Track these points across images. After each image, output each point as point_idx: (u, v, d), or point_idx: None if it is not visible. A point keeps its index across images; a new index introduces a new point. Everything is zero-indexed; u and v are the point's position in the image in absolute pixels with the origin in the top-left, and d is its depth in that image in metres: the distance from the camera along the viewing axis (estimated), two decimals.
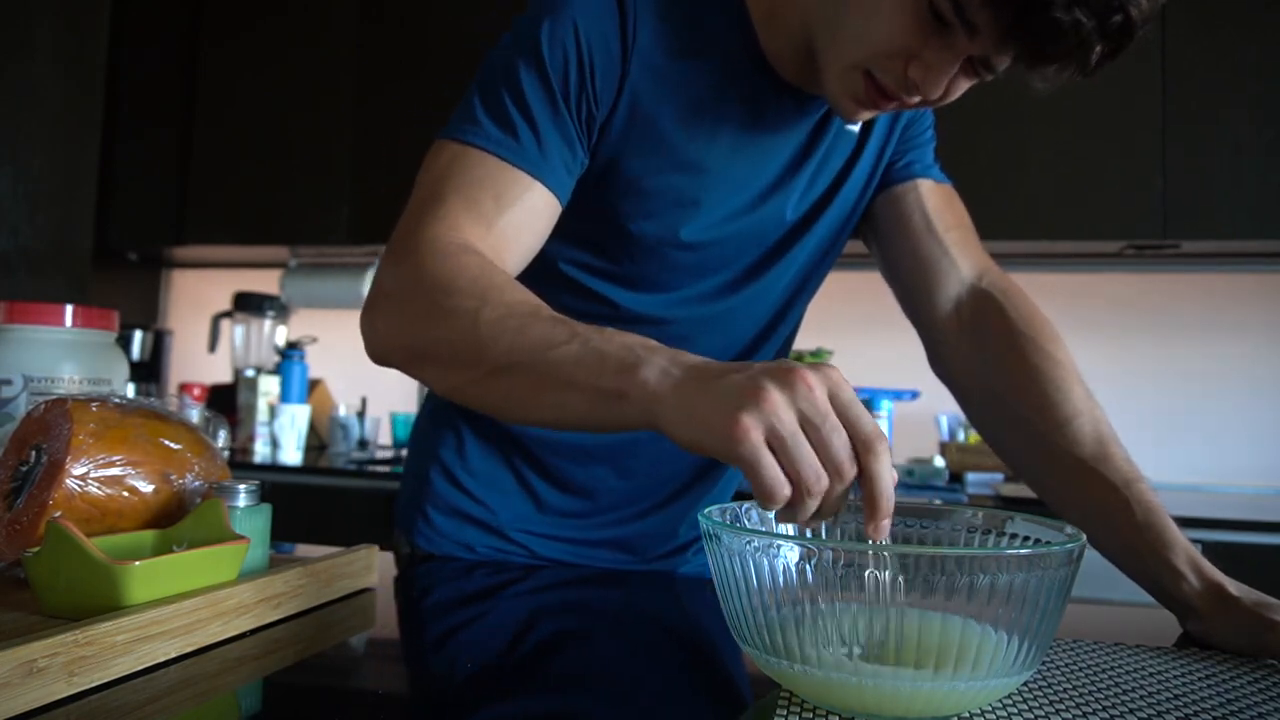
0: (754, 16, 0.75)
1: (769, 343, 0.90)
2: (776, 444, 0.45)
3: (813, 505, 0.46)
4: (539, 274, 0.75)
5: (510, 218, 0.68)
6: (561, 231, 0.75)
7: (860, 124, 0.84)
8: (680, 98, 0.74)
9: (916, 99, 0.68)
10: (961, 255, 0.85)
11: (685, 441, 0.49)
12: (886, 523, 0.46)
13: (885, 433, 0.47)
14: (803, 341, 2.41)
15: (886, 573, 0.41)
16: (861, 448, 0.46)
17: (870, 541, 0.45)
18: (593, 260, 0.81)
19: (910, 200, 0.86)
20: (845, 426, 0.46)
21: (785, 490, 0.45)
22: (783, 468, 0.45)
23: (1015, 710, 0.47)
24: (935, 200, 0.86)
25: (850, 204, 0.86)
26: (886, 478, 0.46)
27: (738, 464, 0.46)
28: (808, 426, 0.45)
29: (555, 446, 0.88)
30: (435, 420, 0.93)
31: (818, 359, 2.17)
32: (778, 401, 0.45)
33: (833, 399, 0.46)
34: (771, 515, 0.50)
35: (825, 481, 0.45)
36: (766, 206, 0.81)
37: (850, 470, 0.45)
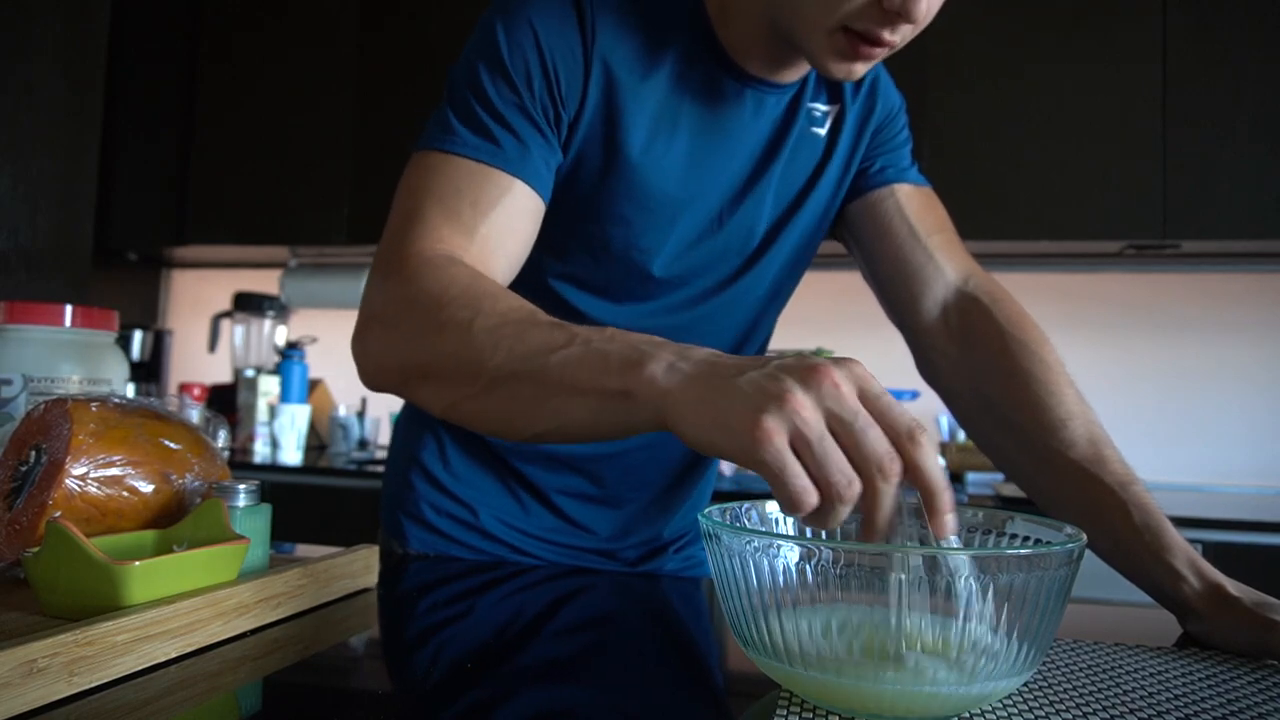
0: (709, 10, 0.75)
1: (744, 351, 0.90)
2: (802, 447, 0.42)
3: (844, 512, 0.42)
4: (517, 283, 0.74)
5: (491, 222, 0.67)
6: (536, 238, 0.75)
7: (827, 129, 0.83)
8: (642, 93, 0.74)
9: (902, 32, 0.65)
10: (947, 259, 0.84)
11: (698, 442, 0.46)
12: (950, 517, 0.43)
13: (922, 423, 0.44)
14: (803, 341, 2.41)
15: (888, 573, 0.41)
16: (903, 440, 0.42)
17: (868, 541, 0.45)
18: (559, 266, 0.80)
19: (890, 205, 0.85)
20: (878, 421, 0.43)
21: (812, 499, 0.42)
22: (810, 473, 0.42)
23: (1015, 710, 0.47)
24: (916, 204, 0.86)
25: (820, 210, 0.86)
26: (936, 468, 0.43)
27: (759, 470, 0.42)
28: (837, 426, 0.42)
29: (527, 454, 0.88)
30: (413, 423, 0.93)
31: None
32: (802, 401, 0.42)
33: (860, 394, 0.43)
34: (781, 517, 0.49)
35: (857, 486, 0.42)
36: (738, 213, 0.80)
37: (895, 465, 0.42)
